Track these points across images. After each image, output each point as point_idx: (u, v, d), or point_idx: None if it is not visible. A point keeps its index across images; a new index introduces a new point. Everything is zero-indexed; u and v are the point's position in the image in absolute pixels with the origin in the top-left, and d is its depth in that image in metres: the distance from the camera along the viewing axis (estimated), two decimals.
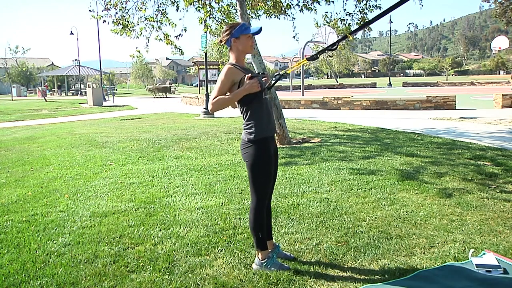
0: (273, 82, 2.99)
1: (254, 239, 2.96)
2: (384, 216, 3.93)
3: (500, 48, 28.22)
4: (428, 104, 14.90)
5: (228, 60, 2.89)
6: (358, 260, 3.06)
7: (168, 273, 2.92)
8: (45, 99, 31.42)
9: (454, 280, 2.76)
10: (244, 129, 2.83)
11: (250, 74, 2.72)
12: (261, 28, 2.82)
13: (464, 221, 3.75)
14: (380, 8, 9.02)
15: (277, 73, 3.00)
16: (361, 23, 9.36)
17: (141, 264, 3.08)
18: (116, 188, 5.19)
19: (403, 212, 4.04)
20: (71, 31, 37.56)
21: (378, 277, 2.82)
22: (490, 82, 37.51)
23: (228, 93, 2.77)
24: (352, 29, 9.38)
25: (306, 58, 2.85)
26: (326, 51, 2.84)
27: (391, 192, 4.68)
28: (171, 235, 3.59)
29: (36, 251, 3.35)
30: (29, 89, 48.28)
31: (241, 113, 2.84)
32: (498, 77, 56.59)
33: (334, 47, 2.90)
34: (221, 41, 2.86)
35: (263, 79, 2.83)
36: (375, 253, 3.15)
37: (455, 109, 14.64)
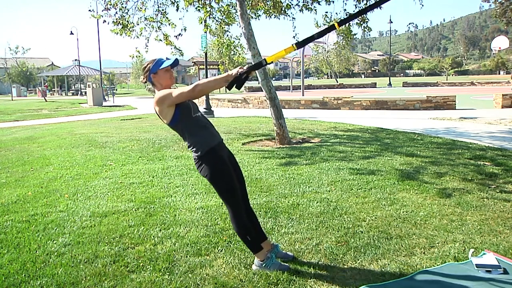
0: (247, 69, 2.77)
1: (246, 244, 2.98)
2: (384, 216, 3.93)
3: (500, 48, 28.19)
4: (428, 104, 14.90)
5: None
6: (358, 260, 3.06)
7: (168, 273, 2.92)
8: (45, 99, 31.41)
9: (454, 280, 2.76)
10: (189, 150, 2.87)
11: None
12: (176, 59, 2.85)
13: (464, 221, 3.75)
14: (380, 7, 9.01)
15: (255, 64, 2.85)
16: (361, 22, 9.36)
17: (141, 264, 3.08)
18: (116, 188, 5.19)
19: (403, 212, 4.04)
20: (71, 31, 37.55)
21: (378, 277, 2.82)
22: (490, 82, 37.49)
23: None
24: (352, 29, 9.39)
25: (293, 44, 2.78)
26: (314, 41, 2.81)
27: (391, 192, 4.68)
28: (171, 235, 3.59)
29: (36, 251, 3.35)
30: (29, 89, 48.26)
31: (182, 137, 2.89)
32: (498, 77, 56.56)
33: (322, 36, 2.91)
34: (144, 79, 2.90)
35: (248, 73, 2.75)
36: (375, 253, 3.15)
37: (455, 109, 14.64)
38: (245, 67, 2.71)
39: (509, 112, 13.09)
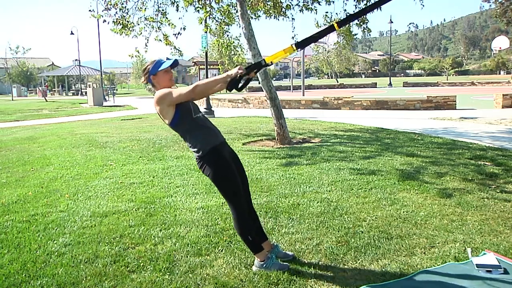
0: (246, 71, 2.71)
1: (246, 244, 2.97)
2: (384, 216, 3.93)
3: (500, 48, 28.15)
4: (428, 104, 14.90)
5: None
6: (359, 260, 3.06)
7: (168, 273, 2.93)
8: (45, 99, 31.42)
9: (455, 280, 2.76)
10: (191, 150, 2.88)
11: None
12: (176, 60, 2.84)
13: (465, 221, 3.75)
14: (380, 8, 8.99)
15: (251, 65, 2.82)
16: (360, 23, 9.35)
17: (142, 264, 3.08)
18: (116, 188, 5.19)
19: (403, 212, 4.04)
20: (71, 31, 37.53)
21: (378, 277, 2.82)
22: (491, 82, 37.49)
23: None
24: (352, 29, 9.37)
25: (292, 45, 2.75)
26: (313, 41, 2.79)
27: (391, 192, 4.68)
28: (171, 235, 3.60)
29: (37, 251, 3.35)
30: (29, 89, 48.27)
31: (183, 138, 2.89)
32: (499, 77, 56.52)
33: (322, 37, 2.90)
34: (144, 80, 2.91)
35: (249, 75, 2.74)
36: (375, 253, 3.15)
37: (456, 109, 14.64)
38: (243, 68, 2.69)
39: (510, 112, 13.08)
